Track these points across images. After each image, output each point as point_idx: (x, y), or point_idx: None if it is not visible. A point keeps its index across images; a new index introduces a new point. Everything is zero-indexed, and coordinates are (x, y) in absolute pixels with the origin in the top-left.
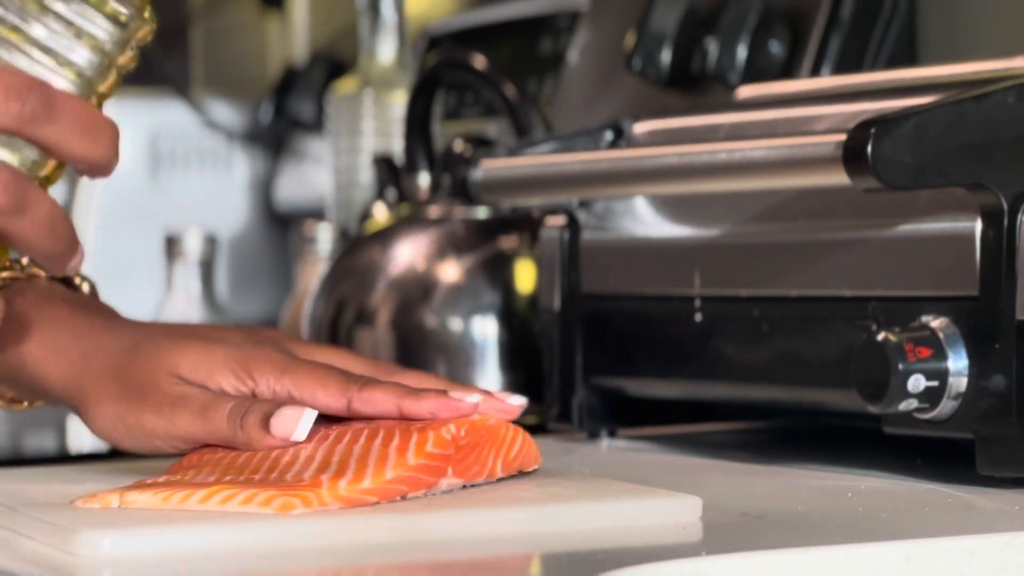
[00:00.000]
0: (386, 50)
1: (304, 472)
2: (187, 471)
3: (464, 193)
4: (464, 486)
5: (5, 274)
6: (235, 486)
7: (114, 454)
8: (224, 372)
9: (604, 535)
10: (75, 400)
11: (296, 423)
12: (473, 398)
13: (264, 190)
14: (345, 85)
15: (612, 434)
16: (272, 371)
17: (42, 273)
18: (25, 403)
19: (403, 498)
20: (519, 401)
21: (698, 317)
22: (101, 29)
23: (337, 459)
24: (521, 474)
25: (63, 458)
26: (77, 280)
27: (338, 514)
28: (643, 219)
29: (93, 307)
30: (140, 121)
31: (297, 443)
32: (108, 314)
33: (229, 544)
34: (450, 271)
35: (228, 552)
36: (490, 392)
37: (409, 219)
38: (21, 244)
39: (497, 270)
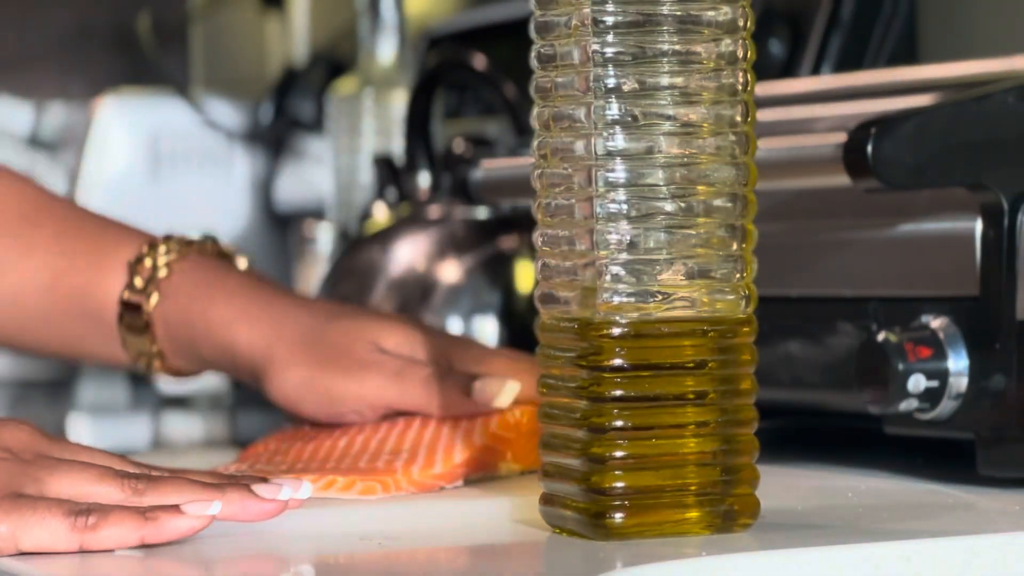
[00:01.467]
0: (386, 50)
1: (377, 459)
2: (254, 460)
3: (464, 193)
4: (521, 472)
5: (174, 242)
6: (312, 473)
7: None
8: (422, 354)
9: None
10: (261, 365)
11: (499, 390)
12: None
13: (264, 190)
14: (345, 85)
15: None
16: (470, 360)
17: (210, 245)
18: (190, 374)
19: (465, 482)
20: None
21: None
22: None
23: (408, 446)
24: None
25: None
26: (237, 258)
27: (399, 498)
28: None
29: (269, 280)
30: (139, 120)
31: (499, 409)
32: (286, 288)
33: (314, 527)
34: (450, 271)
35: (315, 534)
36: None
37: (409, 219)
38: None
39: (497, 270)
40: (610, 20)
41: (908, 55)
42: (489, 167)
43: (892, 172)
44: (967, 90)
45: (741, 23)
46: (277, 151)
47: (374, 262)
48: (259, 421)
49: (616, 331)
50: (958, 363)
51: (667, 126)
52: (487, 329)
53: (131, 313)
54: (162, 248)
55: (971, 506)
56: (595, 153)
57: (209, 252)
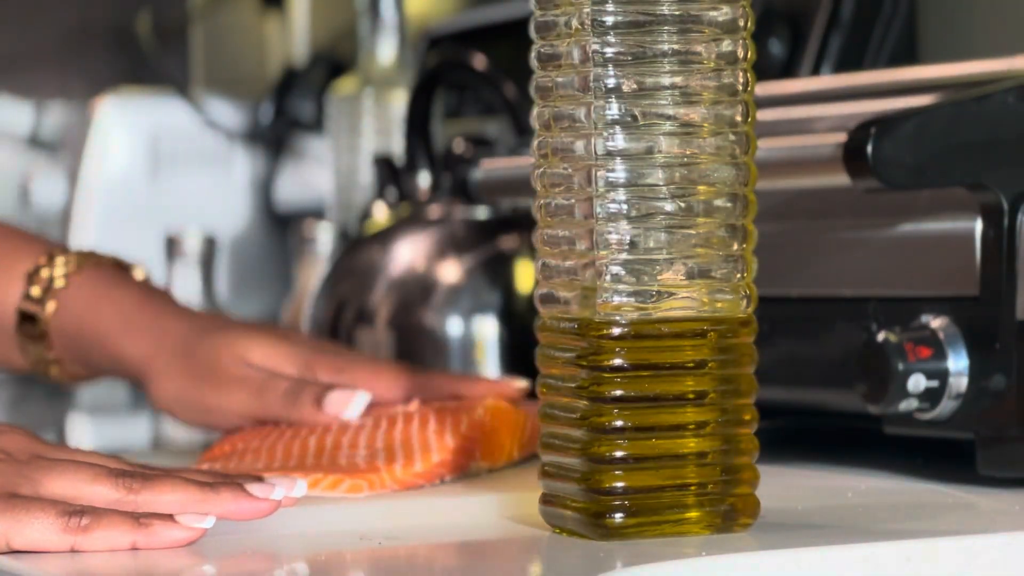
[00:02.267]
0: (386, 50)
1: (355, 458)
2: (225, 459)
3: (464, 193)
4: (488, 469)
5: (72, 254)
6: (297, 471)
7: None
8: (287, 366)
9: None
10: (144, 375)
11: (348, 402)
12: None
13: (264, 190)
14: (345, 85)
15: None
16: (331, 369)
17: (107, 257)
18: (86, 379)
19: (442, 481)
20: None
21: None
22: None
23: (382, 445)
24: (535, 457)
25: None
26: (134, 269)
27: (397, 497)
28: None
29: (158, 292)
30: (139, 120)
31: (347, 421)
32: (172, 299)
33: (314, 526)
34: (450, 271)
35: (296, 532)
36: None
37: (409, 219)
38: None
39: (497, 270)
40: (610, 20)
41: (908, 55)
42: (489, 167)
43: (892, 172)
44: (967, 90)
45: (741, 23)
46: (277, 151)
47: (374, 262)
48: None
49: (616, 331)
50: (958, 363)
51: (667, 126)
52: (487, 329)
53: (28, 322)
54: (60, 259)
55: (971, 506)
56: (595, 153)
57: (106, 264)
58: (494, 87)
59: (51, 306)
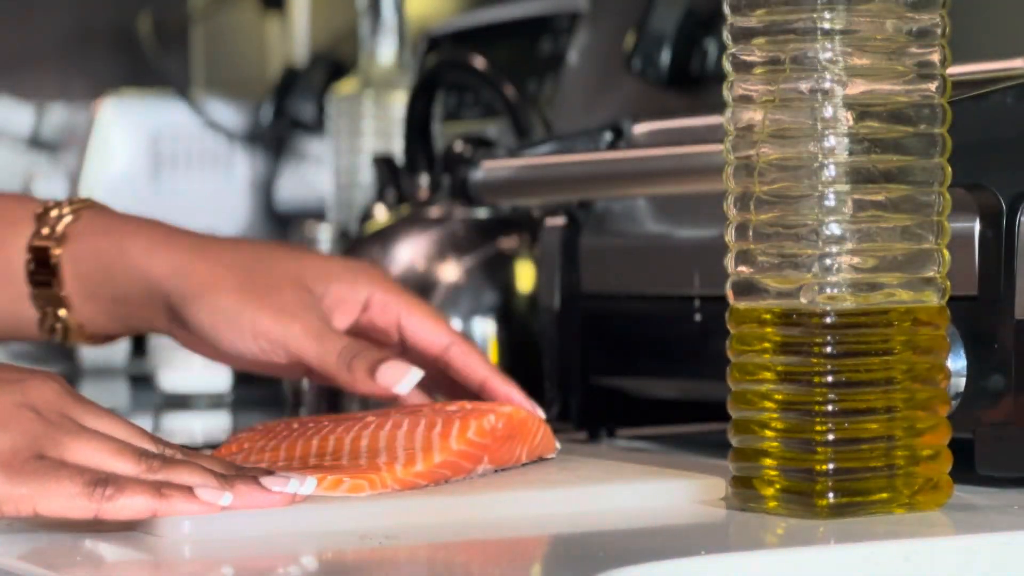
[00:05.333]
0: (386, 51)
1: (358, 458)
2: (232, 458)
3: (464, 193)
4: (495, 471)
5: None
6: (302, 471)
7: None
8: (352, 303)
9: (632, 516)
10: (182, 289)
11: (402, 376)
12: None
13: (264, 190)
14: (345, 86)
15: (612, 434)
16: (381, 287)
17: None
18: (101, 330)
19: (447, 481)
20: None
21: (698, 317)
22: None
23: (384, 445)
24: (541, 460)
25: None
26: None
27: (399, 496)
28: (643, 219)
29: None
30: (140, 121)
31: (396, 395)
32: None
33: (302, 524)
34: (450, 271)
35: (300, 531)
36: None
37: (409, 219)
38: None
39: (497, 270)
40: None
41: None
42: (489, 167)
43: None
44: (966, 90)
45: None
46: (277, 152)
47: (374, 262)
48: (259, 420)
49: (828, 320)
50: (957, 363)
51: (878, 128)
52: (487, 329)
53: (39, 261)
54: (67, 200)
55: (971, 506)
56: (820, 149)
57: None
58: (494, 88)
59: (62, 241)
